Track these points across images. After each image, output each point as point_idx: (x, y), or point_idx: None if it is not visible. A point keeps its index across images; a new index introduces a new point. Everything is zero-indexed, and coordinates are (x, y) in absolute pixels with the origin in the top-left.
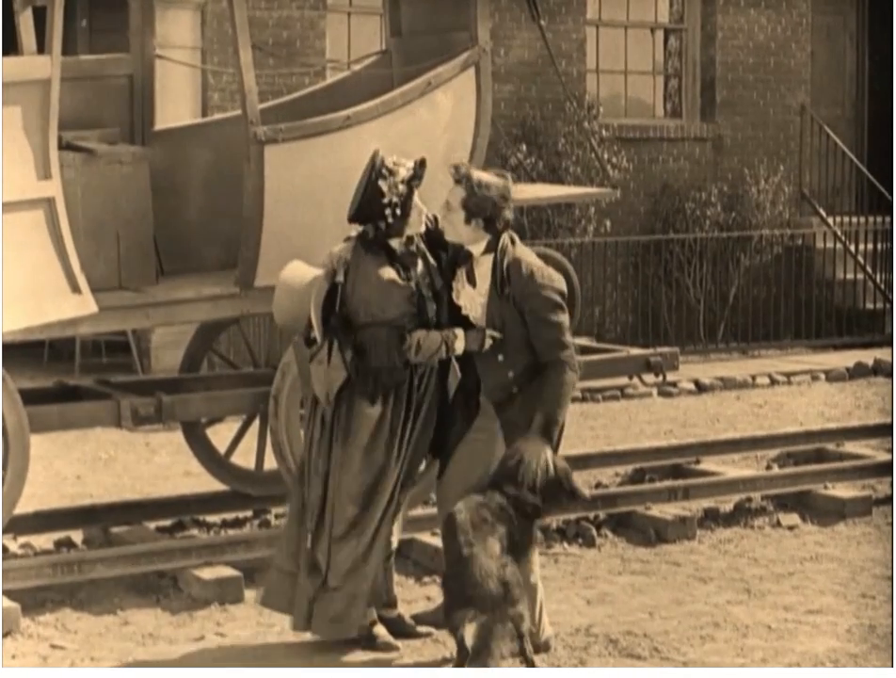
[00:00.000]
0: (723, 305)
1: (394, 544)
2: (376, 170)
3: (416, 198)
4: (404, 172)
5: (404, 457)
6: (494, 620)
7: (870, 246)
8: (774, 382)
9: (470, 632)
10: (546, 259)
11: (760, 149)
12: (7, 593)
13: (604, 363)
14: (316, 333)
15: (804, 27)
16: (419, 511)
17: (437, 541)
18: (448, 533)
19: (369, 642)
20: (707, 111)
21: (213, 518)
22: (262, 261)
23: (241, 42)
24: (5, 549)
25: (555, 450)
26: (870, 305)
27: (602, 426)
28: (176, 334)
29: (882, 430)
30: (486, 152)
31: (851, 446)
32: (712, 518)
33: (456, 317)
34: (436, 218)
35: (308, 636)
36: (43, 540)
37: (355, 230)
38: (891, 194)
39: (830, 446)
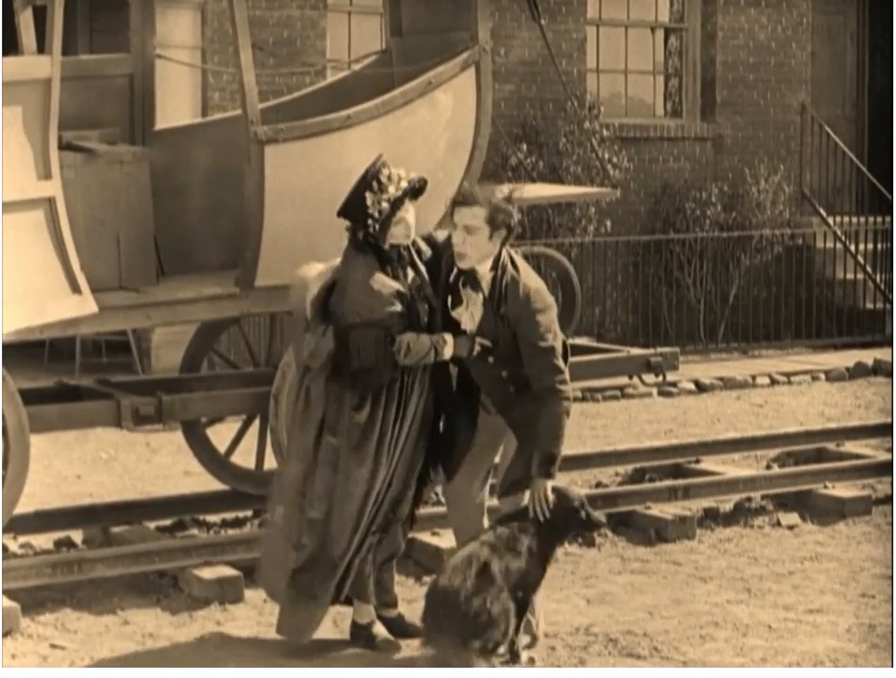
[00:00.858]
0: (723, 305)
1: (402, 545)
2: (367, 180)
3: (406, 214)
4: (393, 190)
5: (395, 460)
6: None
7: (870, 246)
8: (774, 382)
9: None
10: (546, 259)
11: (761, 148)
12: (7, 593)
13: (604, 362)
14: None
15: (804, 27)
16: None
17: (437, 541)
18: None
19: (369, 642)
20: (707, 111)
21: (213, 518)
22: (262, 261)
23: (241, 42)
24: (5, 548)
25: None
26: (870, 305)
27: (602, 425)
28: (176, 334)
29: (882, 430)
30: (486, 151)
31: (851, 446)
32: (712, 517)
33: (447, 324)
34: (449, 238)
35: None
36: (43, 540)
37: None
38: (891, 194)
39: (830, 446)
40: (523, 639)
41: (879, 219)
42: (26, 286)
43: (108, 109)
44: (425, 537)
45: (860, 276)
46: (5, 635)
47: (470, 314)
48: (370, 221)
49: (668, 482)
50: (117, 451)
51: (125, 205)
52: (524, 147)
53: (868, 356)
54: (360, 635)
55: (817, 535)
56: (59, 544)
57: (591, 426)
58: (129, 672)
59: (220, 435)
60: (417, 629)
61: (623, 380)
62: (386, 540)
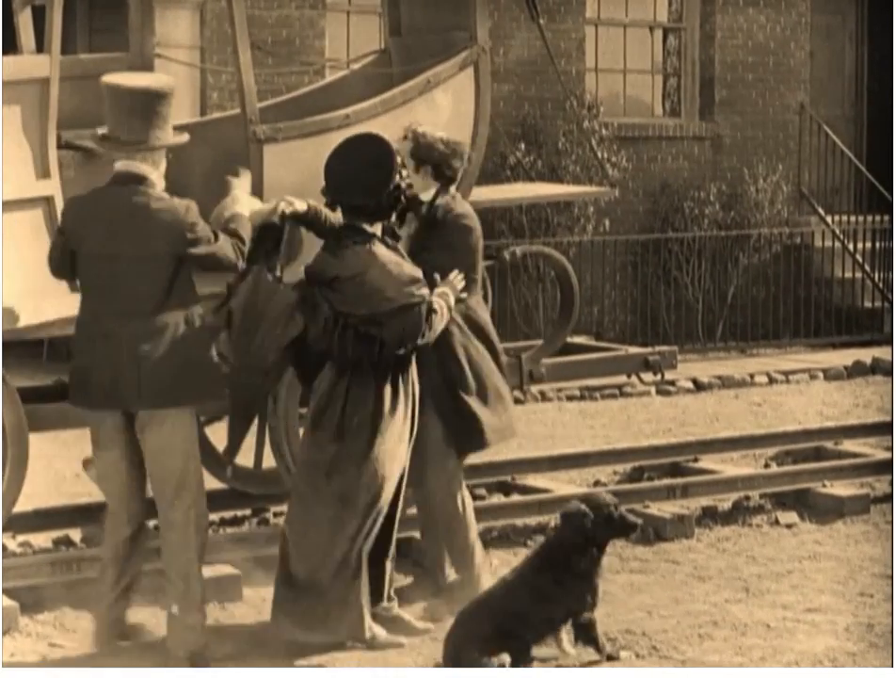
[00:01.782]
0: (721, 304)
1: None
2: (397, 165)
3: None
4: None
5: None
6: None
7: (868, 245)
8: (772, 381)
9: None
10: (545, 258)
11: (759, 148)
12: (6, 592)
13: (603, 361)
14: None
15: (803, 27)
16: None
17: None
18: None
19: (371, 643)
20: (706, 110)
21: (211, 516)
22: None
23: (240, 42)
24: (4, 547)
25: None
26: (868, 304)
27: (601, 424)
28: None
29: (880, 429)
30: (485, 150)
31: (849, 445)
32: (710, 516)
33: None
34: None
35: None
36: (42, 539)
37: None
38: (890, 193)
39: (829, 445)
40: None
41: (878, 218)
42: (25, 285)
43: None
44: None
45: (859, 275)
46: (4, 633)
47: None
48: (399, 205)
49: (667, 481)
50: None
51: None
52: (523, 146)
53: (866, 355)
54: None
55: (815, 534)
56: (58, 543)
57: (589, 424)
58: (129, 672)
59: (219, 434)
60: (415, 627)
61: (621, 379)
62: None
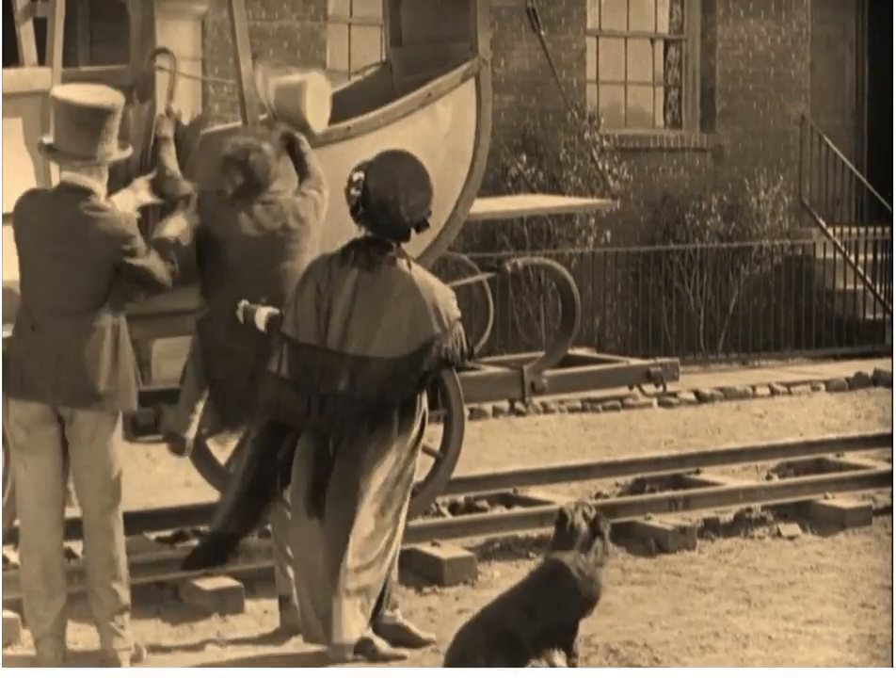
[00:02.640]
0: (723, 315)
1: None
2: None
3: None
4: None
5: None
6: None
7: (869, 256)
8: (774, 392)
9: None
10: (546, 269)
11: (760, 159)
12: (7, 604)
13: (605, 373)
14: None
15: (803, 37)
16: (420, 522)
17: (437, 552)
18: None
19: (372, 655)
20: (707, 121)
21: None
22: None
23: (241, 53)
24: (5, 560)
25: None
26: (870, 315)
27: (603, 436)
28: (177, 345)
29: (882, 441)
30: (486, 162)
31: (851, 457)
32: (712, 528)
33: None
34: None
35: (308, 647)
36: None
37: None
38: (891, 205)
39: (830, 456)
40: None
41: (879, 230)
42: None
43: None
44: (425, 547)
45: (860, 286)
46: (5, 646)
47: None
48: (424, 226)
49: (668, 493)
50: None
51: None
52: (524, 157)
53: (868, 366)
54: (363, 648)
55: (817, 545)
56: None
57: (591, 436)
58: (130, 672)
59: (221, 446)
60: (418, 638)
61: (623, 391)
62: None
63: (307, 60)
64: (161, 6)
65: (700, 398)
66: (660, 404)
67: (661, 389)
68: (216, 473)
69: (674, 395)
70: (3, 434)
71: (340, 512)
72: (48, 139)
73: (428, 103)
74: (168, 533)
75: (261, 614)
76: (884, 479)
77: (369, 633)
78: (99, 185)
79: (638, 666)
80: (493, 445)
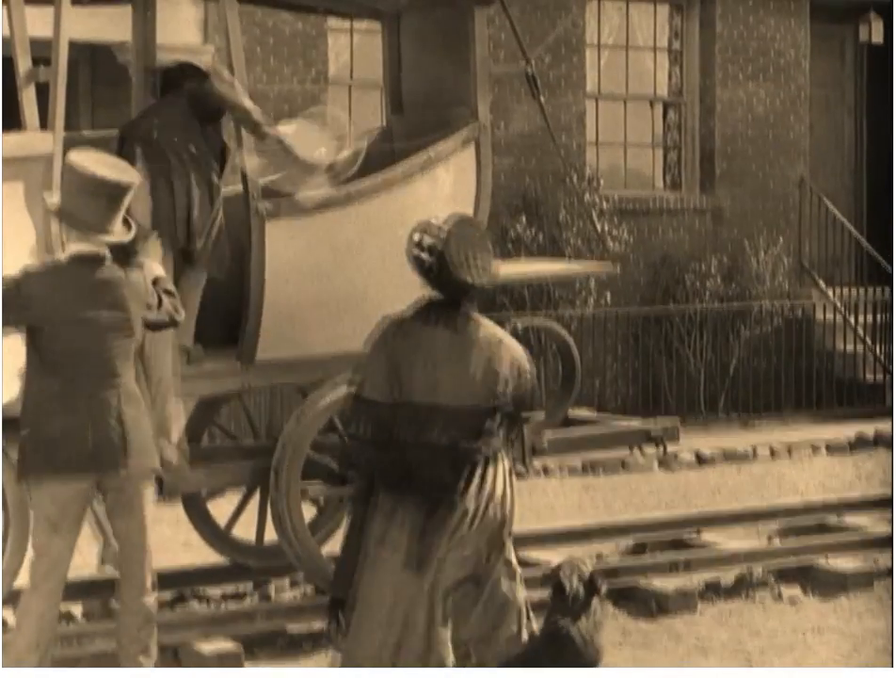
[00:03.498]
0: (723, 376)
1: None
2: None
3: None
4: None
5: None
6: None
7: (869, 317)
8: (774, 454)
9: None
10: (546, 331)
11: (760, 220)
12: (7, 667)
13: (605, 434)
14: None
15: (802, 100)
16: None
17: None
18: None
19: None
20: (706, 183)
21: (213, 591)
22: (263, 335)
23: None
24: (4, 622)
25: None
26: (870, 376)
27: (603, 497)
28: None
29: (883, 503)
30: (486, 224)
31: (852, 519)
32: (713, 590)
33: None
34: None
35: None
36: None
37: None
38: (891, 265)
39: (831, 518)
40: None
41: (878, 291)
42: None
43: None
44: None
45: (860, 347)
46: None
47: None
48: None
49: (669, 554)
50: None
51: None
52: (524, 219)
53: (868, 427)
54: None
55: (819, 608)
56: (59, 618)
57: (592, 498)
58: (130, 672)
59: (221, 508)
60: None
61: (624, 452)
62: None
63: None
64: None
65: (701, 460)
66: (661, 465)
67: (661, 450)
68: (216, 534)
69: (675, 456)
70: (3, 496)
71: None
72: (55, 199)
73: (428, 167)
74: (167, 595)
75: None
76: (885, 542)
77: None
78: (105, 250)
79: None
80: None
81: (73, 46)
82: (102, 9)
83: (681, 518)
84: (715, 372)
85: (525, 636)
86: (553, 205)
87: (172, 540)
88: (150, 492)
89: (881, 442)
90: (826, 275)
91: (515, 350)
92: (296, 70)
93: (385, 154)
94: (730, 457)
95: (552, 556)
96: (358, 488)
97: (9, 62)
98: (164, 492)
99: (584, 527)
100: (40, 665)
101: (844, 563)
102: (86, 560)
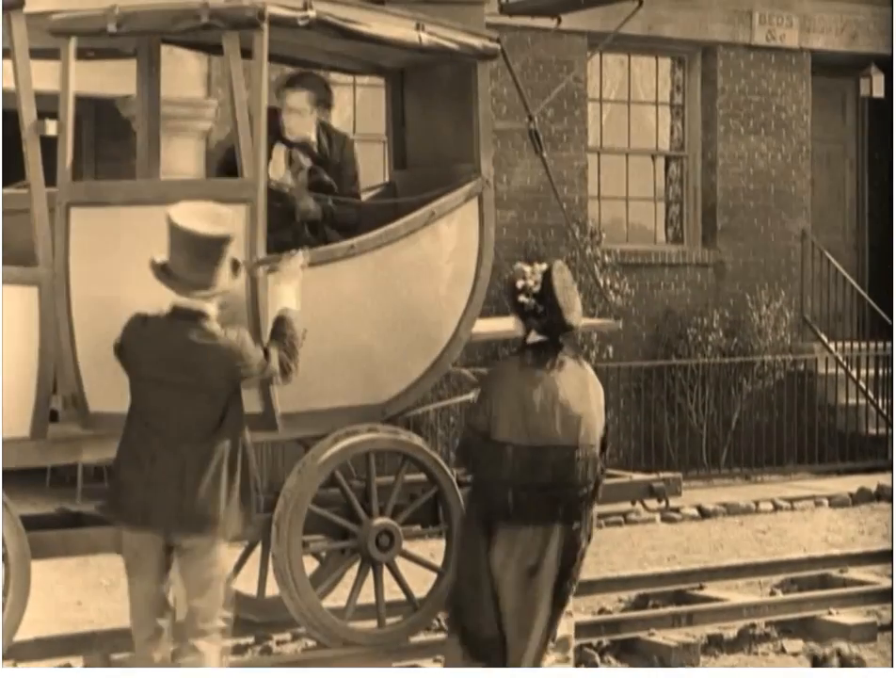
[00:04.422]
0: (725, 430)
1: None
2: None
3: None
4: None
5: None
6: None
7: (871, 371)
8: (777, 508)
9: None
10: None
11: (762, 274)
12: None
13: (607, 488)
14: None
15: (804, 155)
16: (422, 638)
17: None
18: None
19: None
20: (708, 237)
21: None
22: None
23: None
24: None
25: None
26: (872, 430)
27: (605, 551)
28: None
29: (885, 556)
30: (489, 279)
31: (855, 572)
32: (715, 644)
33: None
34: None
35: None
36: (44, 667)
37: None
38: (892, 320)
39: (834, 572)
40: None
41: (880, 345)
42: None
43: None
44: (428, 664)
45: (862, 401)
46: None
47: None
48: None
49: (672, 608)
50: (118, 577)
51: None
52: None
53: (871, 481)
54: None
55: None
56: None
57: (594, 551)
58: (129, 672)
59: None
60: None
61: (626, 506)
62: None
63: None
64: (165, 123)
65: (703, 514)
66: (663, 519)
67: (663, 504)
68: None
69: (677, 510)
70: (4, 550)
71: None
72: (161, 259)
73: (431, 222)
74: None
75: None
76: (888, 595)
77: None
78: (211, 306)
79: None
80: None
81: (77, 100)
82: (105, 64)
83: (684, 572)
84: (717, 426)
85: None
86: (555, 259)
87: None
88: (222, 555)
89: (883, 496)
90: (828, 329)
91: (602, 393)
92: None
93: (388, 209)
94: (733, 510)
95: None
96: (480, 525)
97: (11, 115)
98: None
99: (586, 580)
100: None
101: (847, 617)
102: (87, 615)
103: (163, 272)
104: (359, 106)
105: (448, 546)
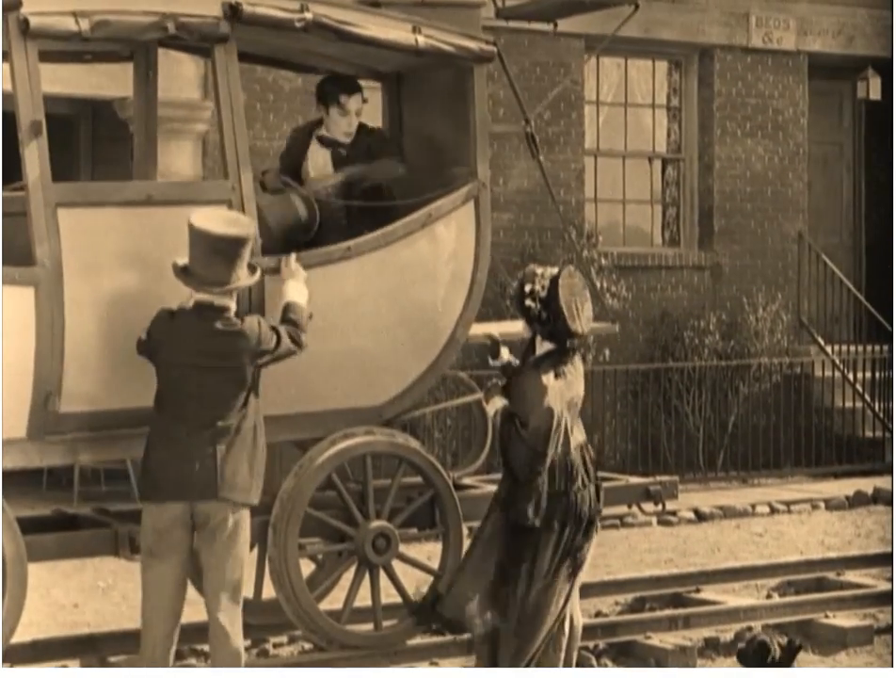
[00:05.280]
0: (722, 433)
1: None
2: None
3: None
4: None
5: None
6: None
7: (868, 374)
8: (774, 511)
9: None
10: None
11: (759, 277)
12: None
13: (604, 491)
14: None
15: (801, 157)
16: (418, 641)
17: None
18: None
19: None
20: (705, 240)
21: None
22: (262, 392)
23: (243, 175)
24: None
25: None
26: (869, 433)
27: (602, 554)
28: None
29: (882, 559)
30: (485, 282)
31: (851, 575)
32: (712, 647)
33: None
34: None
35: None
36: (41, 670)
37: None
38: (889, 322)
39: (831, 575)
40: None
41: (877, 348)
42: None
43: None
44: (425, 667)
45: (859, 404)
46: None
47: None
48: None
49: (668, 611)
50: (115, 580)
51: None
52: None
53: (867, 484)
54: None
55: (818, 665)
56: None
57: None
58: (129, 673)
59: None
60: None
61: (622, 509)
62: None
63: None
64: (161, 125)
65: (700, 517)
66: (659, 522)
67: (660, 507)
68: None
69: (673, 513)
70: (1, 553)
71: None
72: (182, 262)
73: (429, 224)
74: None
75: None
76: (885, 598)
77: None
78: (231, 302)
79: None
80: None
81: (74, 102)
82: (101, 66)
83: (680, 575)
84: (714, 429)
85: None
86: (552, 262)
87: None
88: (237, 528)
89: (880, 499)
90: (825, 332)
91: None
92: (296, 125)
93: (385, 212)
94: (729, 514)
95: None
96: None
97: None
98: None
99: (583, 583)
100: None
101: (844, 620)
102: (84, 617)
103: (183, 273)
104: None
105: (445, 548)
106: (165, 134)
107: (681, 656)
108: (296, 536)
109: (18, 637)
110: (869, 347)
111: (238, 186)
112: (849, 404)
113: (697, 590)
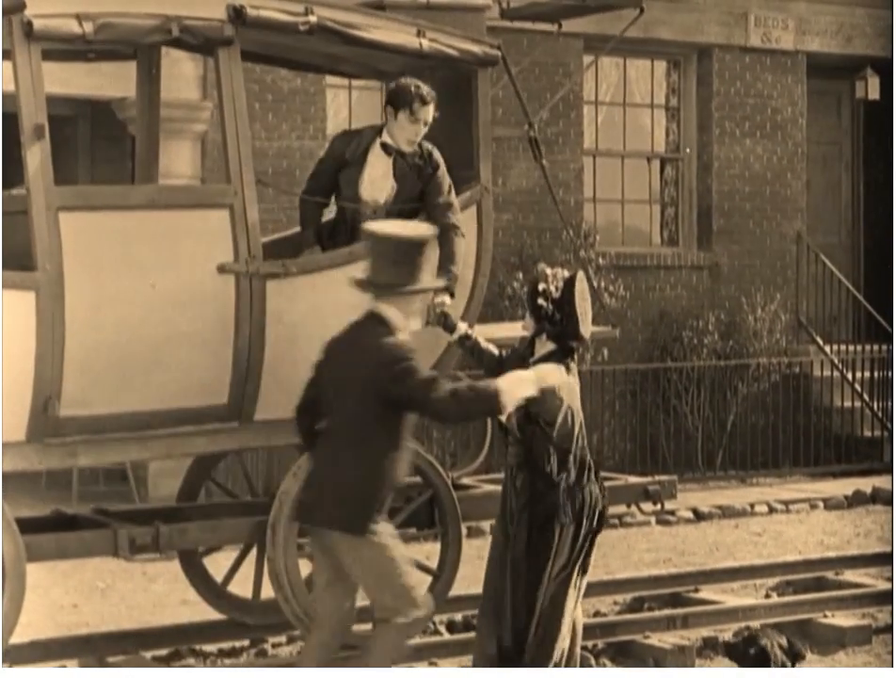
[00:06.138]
0: (721, 433)
1: None
2: None
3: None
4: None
5: None
6: None
7: (867, 374)
8: (772, 510)
9: None
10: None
11: (757, 277)
12: None
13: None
14: None
15: (799, 157)
16: (417, 640)
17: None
18: None
19: None
20: (703, 239)
21: (210, 647)
22: (261, 395)
23: (245, 179)
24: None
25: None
26: (868, 433)
27: (601, 554)
28: (174, 463)
29: (881, 559)
30: (486, 284)
31: (850, 575)
32: (711, 647)
33: None
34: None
35: None
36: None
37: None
38: (889, 322)
39: (829, 575)
40: None
41: (876, 348)
42: None
43: None
44: (424, 667)
45: (858, 404)
46: None
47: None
48: None
49: (667, 611)
50: (114, 580)
51: None
52: (521, 275)
53: (866, 484)
54: None
55: (817, 664)
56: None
57: None
58: (129, 673)
59: (217, 564)
60: None
61: (621, 509)
62: None
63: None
64: (161, 125)
65: (699, 516)
66: (658, 522)
67: (659, 507)
68: (213, 591)
69: (672, 512)
70: (0, 554)
71: None
72: (360, 275)
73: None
74: (164, 652)
75: None
76: (883, 598)
77: None
78: (399, 314)
79: None
80: None
81: (73, 102)
82: (100, 66)
83: (679, 574)
84: (713, 428)
85: None
86: (551, 262)
87: (169, 597)
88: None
89: (878, 498)
90: (824, 331)
91: None
92: (295, 126)
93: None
94: (728, 513)
95: None
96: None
97: (11, 118)
98: (161, 548)
99: None
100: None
101: (842, 619)
102: (82, 617)
103: (362, 283)
104: (354, 108)
105: (444, 548)
106: (164, 134)
107: (680, 656)
108: (294, 536)
109: (17, 638)
110: (867, 347)
111: (241, 191)
112: (848, 404)
113: (696, 590)
